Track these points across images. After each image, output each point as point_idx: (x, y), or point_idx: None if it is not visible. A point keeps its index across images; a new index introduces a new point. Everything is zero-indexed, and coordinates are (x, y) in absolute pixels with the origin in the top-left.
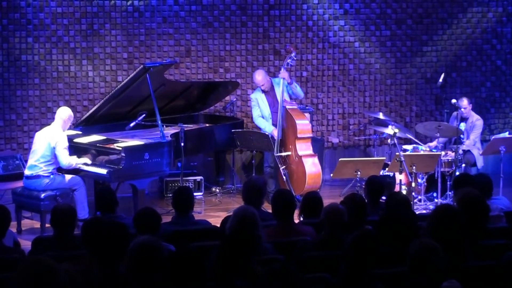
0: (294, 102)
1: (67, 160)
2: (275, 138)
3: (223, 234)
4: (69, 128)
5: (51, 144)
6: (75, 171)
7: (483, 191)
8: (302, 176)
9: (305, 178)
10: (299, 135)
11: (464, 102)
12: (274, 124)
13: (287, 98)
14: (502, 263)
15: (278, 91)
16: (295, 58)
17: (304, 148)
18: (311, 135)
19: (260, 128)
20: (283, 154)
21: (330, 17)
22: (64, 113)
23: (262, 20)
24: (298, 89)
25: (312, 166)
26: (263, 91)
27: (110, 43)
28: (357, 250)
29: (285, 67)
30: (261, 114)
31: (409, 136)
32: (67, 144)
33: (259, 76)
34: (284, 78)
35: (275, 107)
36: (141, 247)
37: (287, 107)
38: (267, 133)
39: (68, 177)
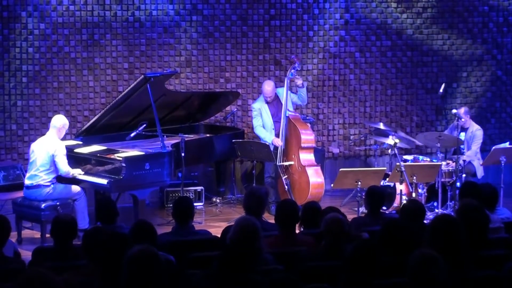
0: (297, 113)
1: (66, 167)
2: (278, 146)
3: (223, 244)
4: (70, 138)
5: (50, 152)
6: (75, 181)
7: (486, 202)
8: (305, 186)
9: (308, 188)
10: (303, 145)
11: (461, 111)
12: (277, 134)
13: (290, 107)
14: (505, 273)
15: (283, 101)
16: (298, 69)
17: (307, 158)
18: (314, 145)
19: (260, 138)
20: (286, 163)
21: (331, 27)
22: (58, 122)
23: (262, 30)
24: (305, 92)
25: (315, 175)
26: (267, 102)
27: (111, 53)
28: (357, 260)
29: (289, 78)
30: (262, 124)
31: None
32: (65, 151)
33: (269, 87)
34: (297, 86)
35: (277, 116)
36: (137, 256)
37: (291, 117)
38: (267, 143)
39: (68, 187)
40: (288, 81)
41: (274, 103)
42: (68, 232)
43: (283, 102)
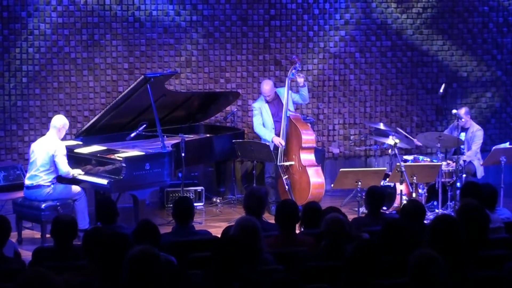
0: (298, 113)
1: (67, 168)
2: (278, 146)
3: (219, 242)
4: (70, 139)
5: (50, 152)
6: (76, 181)
7: (486, 202)
8: (305, 186)
9: (309, 188)
10: (303, 145)
11: (462, 111)
12: (277, 134)
13: (291, 107)
14: (505, 273)
15: (284, 100)
16: (299, 69)
17: (308, 158)
18: (315, 145)
19: (260, 137)
20: (287, 163)
21: (331, 28)
22: (58, 122)
23: (263, 31)
24: (306, 92)
25: (316, 176)
26: (267, 101)
27: (111, 53)
28: (357, 260)
29: (290, 78)
30: (262, 123)
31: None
32: (65, 152)
33: (267, 86)
34: (300, 84)
35: (278, 116)
36: (138, 256)
37: (291, 117)
38: (267, 143)
39: (69, 187)
40: (289, 81)
41: (275, 103)
42: (68, 232)
43: (284, 102)
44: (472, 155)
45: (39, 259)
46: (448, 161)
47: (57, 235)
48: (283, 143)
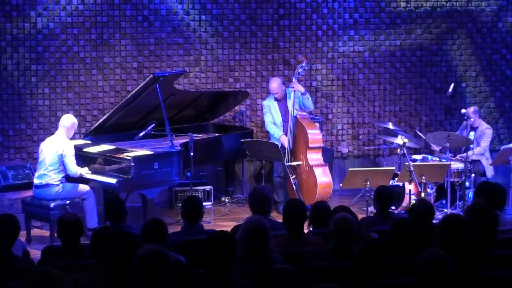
0: (305, 112)
1: (75, 168)
2: (285, 146)
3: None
4: (79, 138)
5: (58, 152)
6: (84, 180)
7: (496, 202)
8: (313, 186)
9: (316, 188)
10: (310, 145)
11: (471, 110)
12: (285, 133)
13: (297, 108)
14: None
15: (289, 101)
16: (306, 68)
17: (315, 158)
18: (322, 145)
19: (270, 134)
20: (294, 163)
21: (339, 27)
22: (66, 121)
23: (271, 30)
24: (309, 101)
25: (323, 175)
26: (276, 99)
27: (120, 52)
28: (365, 260)
29: (297, 77)
30: (273, 121)
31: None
32: (74, 152)
33: (275, 84)
34: (298, 91)
35: (286, 116)
36: (147, 256)
37: (298, 117)
38: (276, 142)
39: (77, 186)
40: (296, 80)
41: (284, 102)
42: (74, 231)
43: (291, 101)
44: (481, 152)
45: (48, 258)
46: (458, 157)
47: (63, 235)
48: (286, 145)
